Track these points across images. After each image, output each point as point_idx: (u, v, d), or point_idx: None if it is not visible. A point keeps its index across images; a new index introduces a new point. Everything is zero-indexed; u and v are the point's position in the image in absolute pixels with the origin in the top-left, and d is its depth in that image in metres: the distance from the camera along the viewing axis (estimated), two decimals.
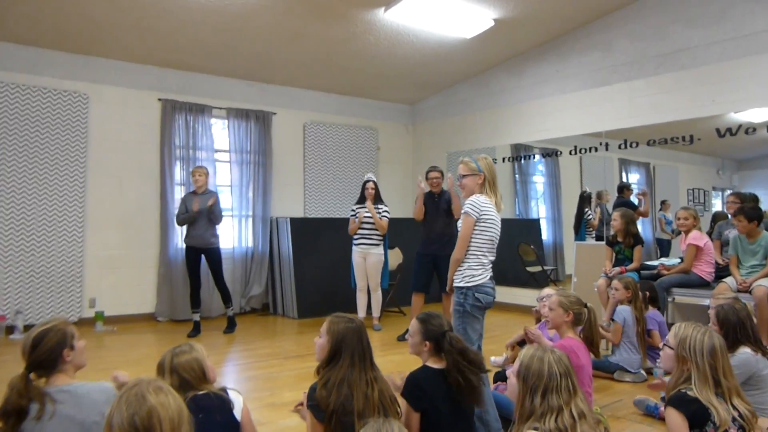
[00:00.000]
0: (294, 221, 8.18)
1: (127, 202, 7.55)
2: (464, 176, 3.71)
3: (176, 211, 7.13)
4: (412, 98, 10.09)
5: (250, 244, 8.36)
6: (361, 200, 7.13)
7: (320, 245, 8.13)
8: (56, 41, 6.91)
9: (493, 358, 4.98)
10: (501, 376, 4.42)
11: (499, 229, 3.70)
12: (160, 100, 7.79)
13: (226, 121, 8.38)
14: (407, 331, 6.37)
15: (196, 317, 6.88)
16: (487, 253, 3.64)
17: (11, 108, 6.84)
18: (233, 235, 8.28)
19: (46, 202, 6.98)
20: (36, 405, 2.23)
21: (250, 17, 6.56)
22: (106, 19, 6.39)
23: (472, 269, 3.59)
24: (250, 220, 8.40)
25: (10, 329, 6.63)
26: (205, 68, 8.01)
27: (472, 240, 3.60)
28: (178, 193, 7.72)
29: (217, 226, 6.85)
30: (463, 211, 3.64)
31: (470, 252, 3.61)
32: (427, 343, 2.84)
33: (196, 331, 6.78)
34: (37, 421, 2.20)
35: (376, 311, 7.18)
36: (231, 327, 7.01)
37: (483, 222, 3.59)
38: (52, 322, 2.48)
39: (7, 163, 6.80)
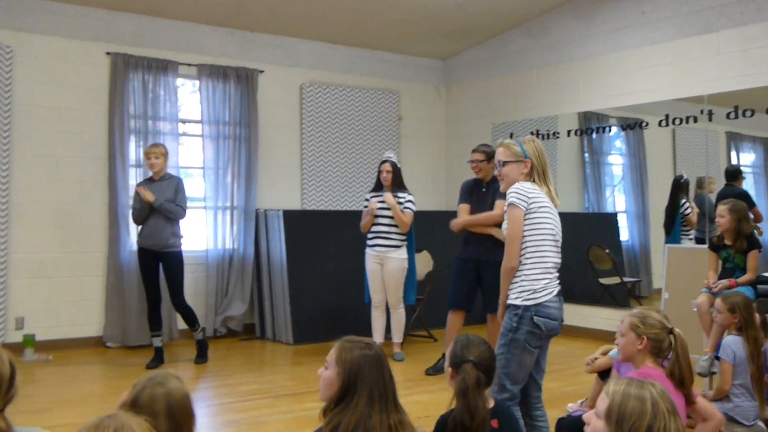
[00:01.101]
0: (289, 215, 8.17)
1: (65, 190, 7.58)
2: (505, 163, 3.77)
3: (131, 203, 7.15)
4: (446, 51, 10.03)
5: (229, 245, 8.37)
6: (378, 187, 7.12)
7: (323, 247, 8.13)
8: None
9: (570, 406, 4.93)
10: (567, 424, 4.36)
11: (560, 225, 3.69)
12: (108, 54, 7.81)
13: (197, 82, 8.39)
14: (440, 361, 6.43)
15: (157, 342, 6.90)
16: (550, 255, 3.61)
17: None
18: (207, 233, 8.30)
19: None
20: None
21: None
22: None
23: (532, 280, 3.57)
24: (229, 213, 8.41)
25: None
26: (168, 11, 8.01)
27: (527, 239, 3.60)
28: (133, 178, 7.73)
29: (178, 223, 6.87)
30: (506, 203, 3.64)
31: (526, 256, 3.59)
32: (450, 371, 2.96)
33: (157, 360, 6.79)
34: None
35: (397, 335, 7.17)
36: (202, 355, 7.03)
37: (535, 212, 3.61)
38: None
39: None
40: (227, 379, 6.35)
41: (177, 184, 6.89)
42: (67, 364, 6.92)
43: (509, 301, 3.62)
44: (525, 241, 3.60)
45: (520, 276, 3.60)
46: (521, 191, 3.62)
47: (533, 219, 3.59)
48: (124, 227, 7.64)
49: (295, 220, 8.20)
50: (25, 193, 7.38)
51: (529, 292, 3.55)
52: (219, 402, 5.65)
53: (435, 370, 6.45)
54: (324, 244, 8.15)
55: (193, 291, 7.55)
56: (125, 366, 6.87)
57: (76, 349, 7.45)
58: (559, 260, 3.69)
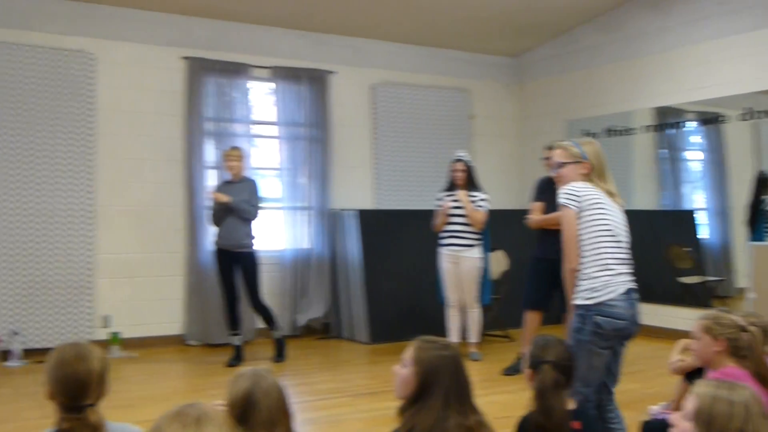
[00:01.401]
0: (364, 215, 8.25)
1: (146, 191, 7.80)
2: (563, 164, 3.77)
3: (208, 204, 7.32)
4: (517, 48, 9.95)
5: (305, 245, 8.48)
6: (451, 186, 7.11)
7: (399, 246, 8.16)
8: None
9: (652, 408, 4.83)
10: (653, 427, 4.27)
11: (623, 221, 3.66)
12: (185, 58, 7.99)
13: (270, 85, 8.52)
14: (517, 361, 6.37)
15: (236, 341, 7.03)
16: (611, 251, 3.56)
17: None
18: (283, 233, 8.42)
19: (46, 193, 7.28)
20: None
21: None
22: None
23: (591, 279, 3.52)
24: (305, 213, 8.52)
25: (5, 354, 6.95)
26: (242, 15, 8.15)
27: (583, 238, 3.56)
28: (210, 180, 7.92)
29: (251, 224, 6.99)
30: (559, 205, 3.65)
31: (584, 255, 3.56)
32: (529, 372, 2.92)
33: (237, 359, 6.91)
34: None
35: (473, 335, 7.15)
36: (280, 354, 7.13)
37: (589, 210, 3.57)
38: (81, 343, 2.56)
39: None
40: (305, 378, 6.44)
41: (251, 186, 7.02)
42: (150, 361, 7.12)
43: (573, 302, 3.59)
44: (581, 240, 3.56)
45: (580, 275, 3.56)
46: (571, 191, 3.61)
47: (587, 217, 3.56)
48: (203, 228, 7.81)
49: (369, 219, 8.25)
50: (109, 196, 7.60)
51: (589, 291, 3.50)
52: (298, 400, 5.68)
53: (512, 371, 6.40)
54: (399, 243, 8.17)
55: (270, 290, 7.65)
56: (206, 364, 7.03)
57: (159, 347, 7.63)
58: (622, 256, 3.61)
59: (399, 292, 8.09)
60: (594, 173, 3.69)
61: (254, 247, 7.02)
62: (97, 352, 2.51)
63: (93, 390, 2.41)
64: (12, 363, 6.84)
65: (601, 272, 3.51)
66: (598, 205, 3.58)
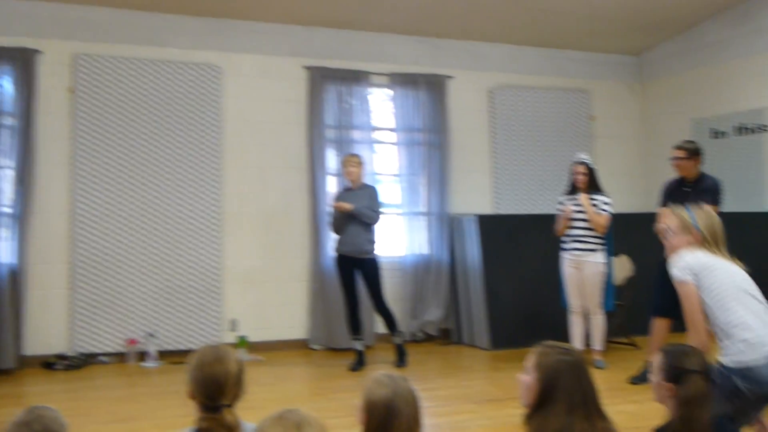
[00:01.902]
0: (483, 220, 8.22)
1: (270, 198, 8.05)
2: (671, 231, 3.72)
3: (330, 211, 7.46)
4: (639, 46, 9.75)
5: (425, 250, 8.53)
6: (573, 189, 7.01)
7: (519, 251, 8.10)
8: (181, 3, 7.53)
9: None
10: None
11: (749, 278, 3.50)
12: (306, 68, 8.20)
13: (389, 91, 8.63)
14: (645, 370, 6.19)
15: (359, 346, 7.14)
16: (746, 307, 3.38)
17: (133, 89, 7.54)
18: (403, 239, 8.51)
19: (177, 201, 7.64)
20: None
21: None
22: None
23: (732, 339, 3.33)
24: (424, 219, 8.57)
25: (142, 355, 7.32)
26: (360, 23, 8.31)
27: (711, 304, 3.41)
28: (332, 186, 8.09)
29: (374, 229, 7.08)
30: (675, 281, 3.54)
31: (718, 318, 3.39)
32: (669, 385, 2.79)
33: (359, 363, 7.02)
34: None
35: (597, 342, 7.01)
36: (402, 359, 7.19)
37: (708, 274, 3.45)
38: (219, 346, 2.69)
39: (132, 157, 7.51)
40: (427, 383, 6.43)
41: (372, 192, 7.13)
42: (276, 364, 7.31)
43: (718, 357, 3.40)
44: (709, 307, 3.40)
45: (719, 336, 3.38)
46: (682, 264, 3.51)
47: (708, 281, 3.43)
48: (325, 233, 7.96)
49: (489, 224, 8.22)
50: (236, 204, 7.89)
51: (736, 354, 3.29)
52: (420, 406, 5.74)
53: (639, 379, 6.22)
54: (519, 248, 8.11)
55: (390, 296, 7.70)
56: (329, 367, 7.18)
57: (283, 351, 7.84)
58: (760, 308, 3.41)
59: (520, 298, 8.03)
60: (704, 243, 3.59)
61: (376, 253, 7.13)
62: (235, 355, 2.62)
63: (229, 391, 2.53)
64: (148, 363, 7.21)
65: (742, 331, 3.32)
66: (713, 267, 3.47)
